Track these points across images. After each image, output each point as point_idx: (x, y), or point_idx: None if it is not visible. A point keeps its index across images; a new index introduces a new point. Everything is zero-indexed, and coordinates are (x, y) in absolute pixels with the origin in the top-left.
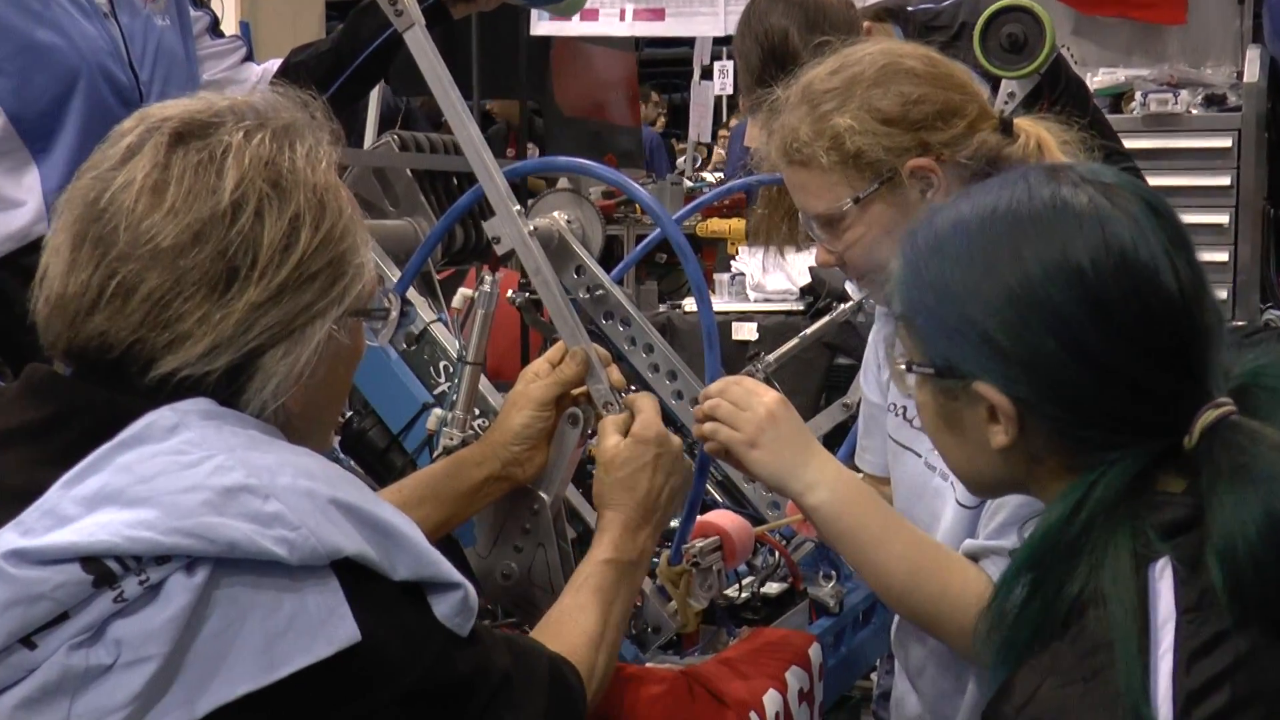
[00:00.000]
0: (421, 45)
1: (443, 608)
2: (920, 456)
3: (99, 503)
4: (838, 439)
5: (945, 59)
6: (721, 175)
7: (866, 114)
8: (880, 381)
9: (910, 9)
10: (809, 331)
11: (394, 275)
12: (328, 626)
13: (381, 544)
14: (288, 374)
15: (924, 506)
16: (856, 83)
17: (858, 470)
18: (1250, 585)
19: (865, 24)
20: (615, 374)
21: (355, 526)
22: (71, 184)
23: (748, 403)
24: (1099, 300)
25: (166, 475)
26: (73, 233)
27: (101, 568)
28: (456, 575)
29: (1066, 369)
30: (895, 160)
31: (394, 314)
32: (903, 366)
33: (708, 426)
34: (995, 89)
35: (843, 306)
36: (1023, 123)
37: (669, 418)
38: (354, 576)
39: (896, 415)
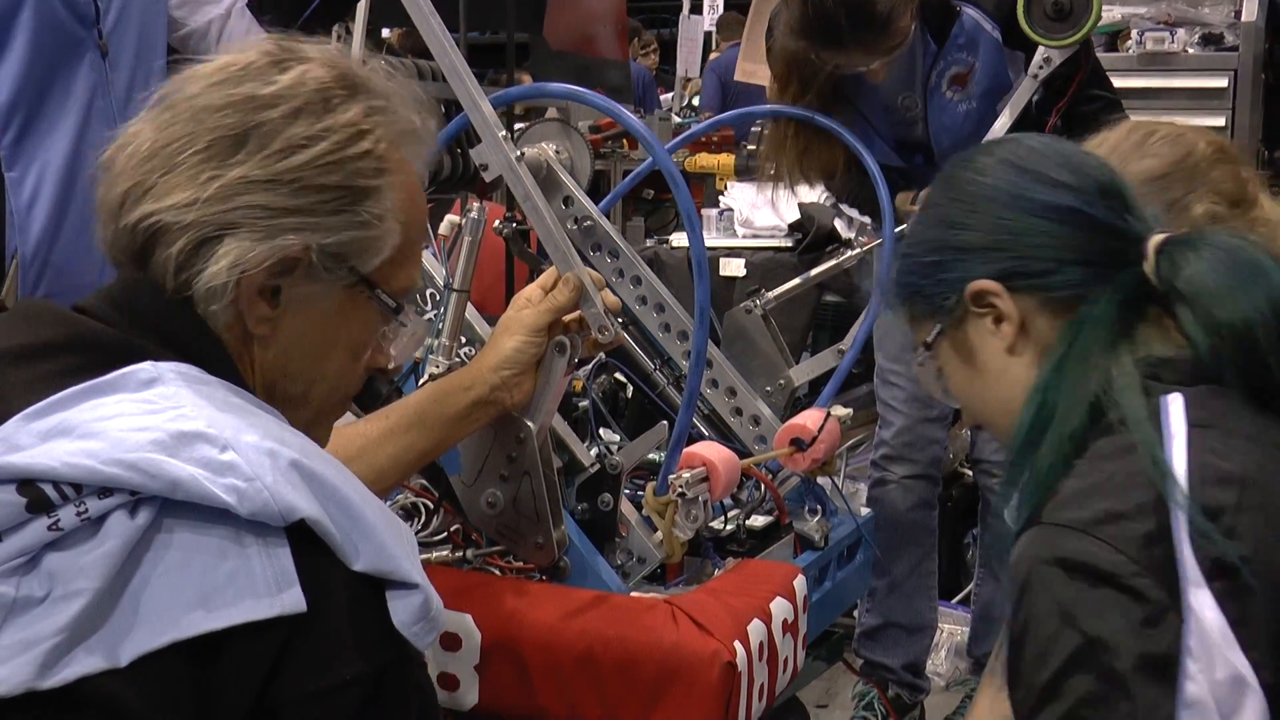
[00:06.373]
0: None
1: (401, 613)
2: None
3: (52, 436)
4: (826, 381)
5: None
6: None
7: (1211, 193)
8: None
9: None
10: (812, 274)
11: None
12: (272, 588)
13: (343, 525)
14: (240, 258)
15: None
16: (1195, 171)
17: None
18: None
19: None
20: (610, 297)
21: (318, 497)
22: None
23: None
24: (1025, 168)
25: (125, 417)
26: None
27: (37, 492)
28: (419, 575)
29: (1024, 226)
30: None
31: (412, 328)
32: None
33: None
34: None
35: (850, 254)
36: None
37: (656, 349)
38: (308, 549)
39: None
